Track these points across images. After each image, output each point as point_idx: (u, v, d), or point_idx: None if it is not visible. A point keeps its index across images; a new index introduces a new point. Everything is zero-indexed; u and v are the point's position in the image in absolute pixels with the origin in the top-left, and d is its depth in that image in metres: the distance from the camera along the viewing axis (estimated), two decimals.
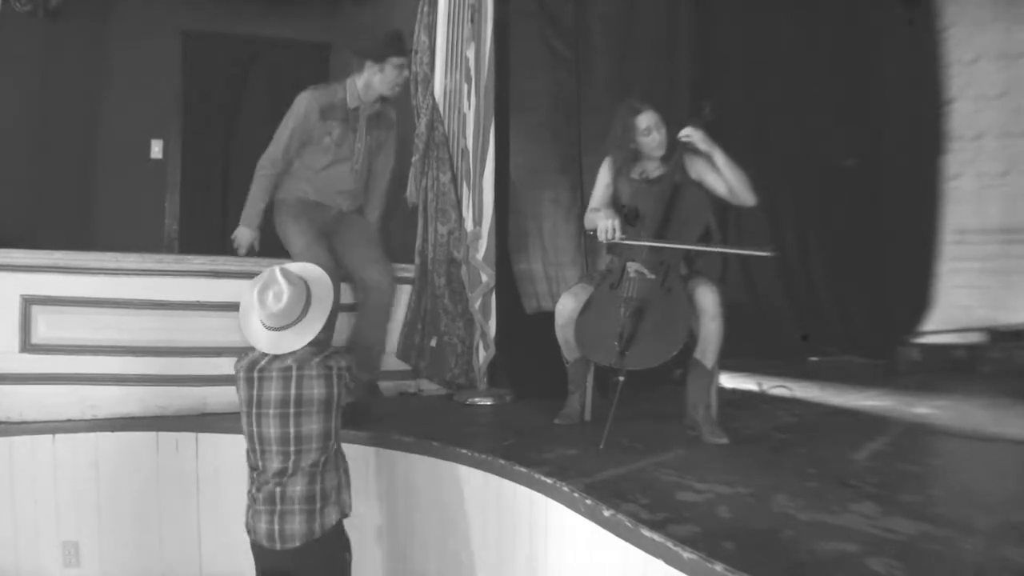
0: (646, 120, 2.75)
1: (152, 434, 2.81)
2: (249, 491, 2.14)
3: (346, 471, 2.22)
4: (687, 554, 1.51)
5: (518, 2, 4.21)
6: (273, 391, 2.07)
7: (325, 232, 3.16)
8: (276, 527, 2.04)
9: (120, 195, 4.54)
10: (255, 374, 2.11)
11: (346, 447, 2.69)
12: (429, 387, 3.54)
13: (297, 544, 2.04)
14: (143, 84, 4.57)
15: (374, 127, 3.23)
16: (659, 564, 1.58)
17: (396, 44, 3.10)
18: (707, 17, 4.98)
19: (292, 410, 2.06)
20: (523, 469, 2.17)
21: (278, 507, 2.05)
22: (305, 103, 3.06)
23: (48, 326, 2.81)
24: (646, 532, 1.64)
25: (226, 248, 3.13)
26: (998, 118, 4.53)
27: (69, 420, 2.78)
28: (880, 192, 4.87)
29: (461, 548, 2.44)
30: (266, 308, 2.07)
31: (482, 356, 3.41)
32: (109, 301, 2.86)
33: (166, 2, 4.69)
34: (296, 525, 2.04)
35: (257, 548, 2.10)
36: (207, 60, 4.83)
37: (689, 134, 2.68)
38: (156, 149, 4.72)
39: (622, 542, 1.72)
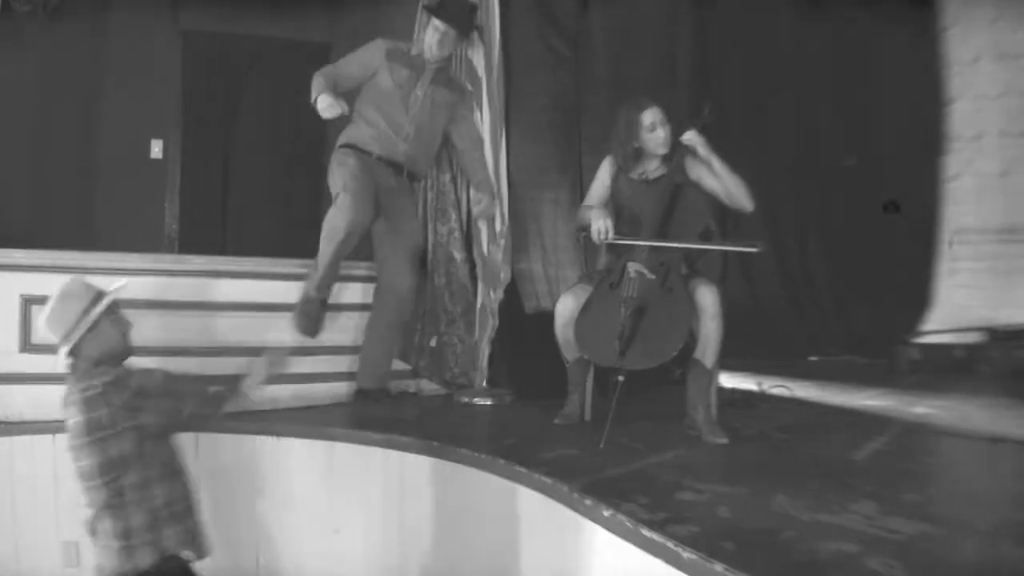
0: (651, 116, 2.73)
1: None
2: None
3: (174, 502, 1.93)
4: (687, 554, 1.50)
5: (518, 2, 4.20)
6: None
7: (375, 201, 3.07)
8: (98, 561, 1.88)
9: (120, 195, 4.53)
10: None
11: (347, 447, 2.69)
12: (429, 387, 3.53)
13: None
14: (143, 84, 4.57)
15: (440, 83, 3.17)
16: (659, 564, 1.58)
17: (443, 8, 3.06)
18: (707, 17, 4.98)
19: (70, 443, 1.85)
20: (523, 469, 2.16)
21: (98, 543, 1.88)
22: (375, 42, 3.12)
23: None
24: (646, 532, 1.63)
25: (226, 248, 3.13)
26: (998, 118, 4.53)
27: None
28: (880, 192, 4.87)
29: (460, 548, 2.44)
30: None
31: (482, 356, 3.41)
32: None
33: (166, 2, 4.68)
34: (114, 562, 1.85)
35: None
36: (207, 60, 4.83)
37: (691, 139, 2.68)
38: (156, 149, 4.71)
39: (622, 542, 1.72)
